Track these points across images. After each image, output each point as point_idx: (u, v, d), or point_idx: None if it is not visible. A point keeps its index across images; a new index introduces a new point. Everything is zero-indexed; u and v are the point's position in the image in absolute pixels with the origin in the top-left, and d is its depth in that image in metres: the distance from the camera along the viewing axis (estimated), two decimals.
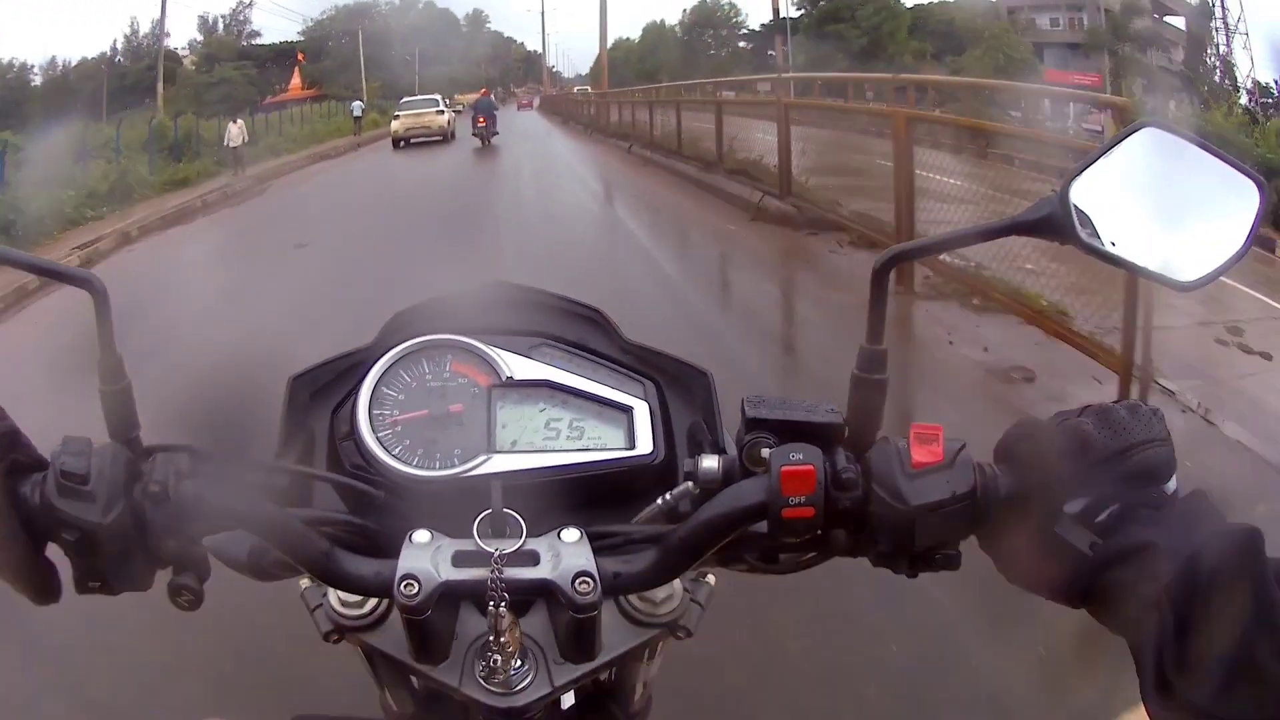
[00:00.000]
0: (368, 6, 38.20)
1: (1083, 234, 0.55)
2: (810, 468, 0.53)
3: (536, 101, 35.75)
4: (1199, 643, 0.44)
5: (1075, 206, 0.55)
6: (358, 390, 0.66)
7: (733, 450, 0.60)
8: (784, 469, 0.53)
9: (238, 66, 33.36)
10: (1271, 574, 0.44)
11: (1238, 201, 0.56)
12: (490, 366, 0.68)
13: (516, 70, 42.99)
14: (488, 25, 43.63)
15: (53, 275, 0.57)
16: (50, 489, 0.52)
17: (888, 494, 0.53)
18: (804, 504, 0.53)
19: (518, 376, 0.67)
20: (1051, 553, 0.51)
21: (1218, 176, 0.56)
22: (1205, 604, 0.45)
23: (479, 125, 19.60)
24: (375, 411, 0.65)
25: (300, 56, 36.52)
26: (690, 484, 0.60)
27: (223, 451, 0.57)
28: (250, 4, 35.51)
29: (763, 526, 0.54)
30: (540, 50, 45.47)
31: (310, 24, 37.29)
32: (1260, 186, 0.56)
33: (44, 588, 0.54)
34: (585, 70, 41.89)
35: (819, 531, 0.54)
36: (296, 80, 36.08)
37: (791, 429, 0.57)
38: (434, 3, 39.44)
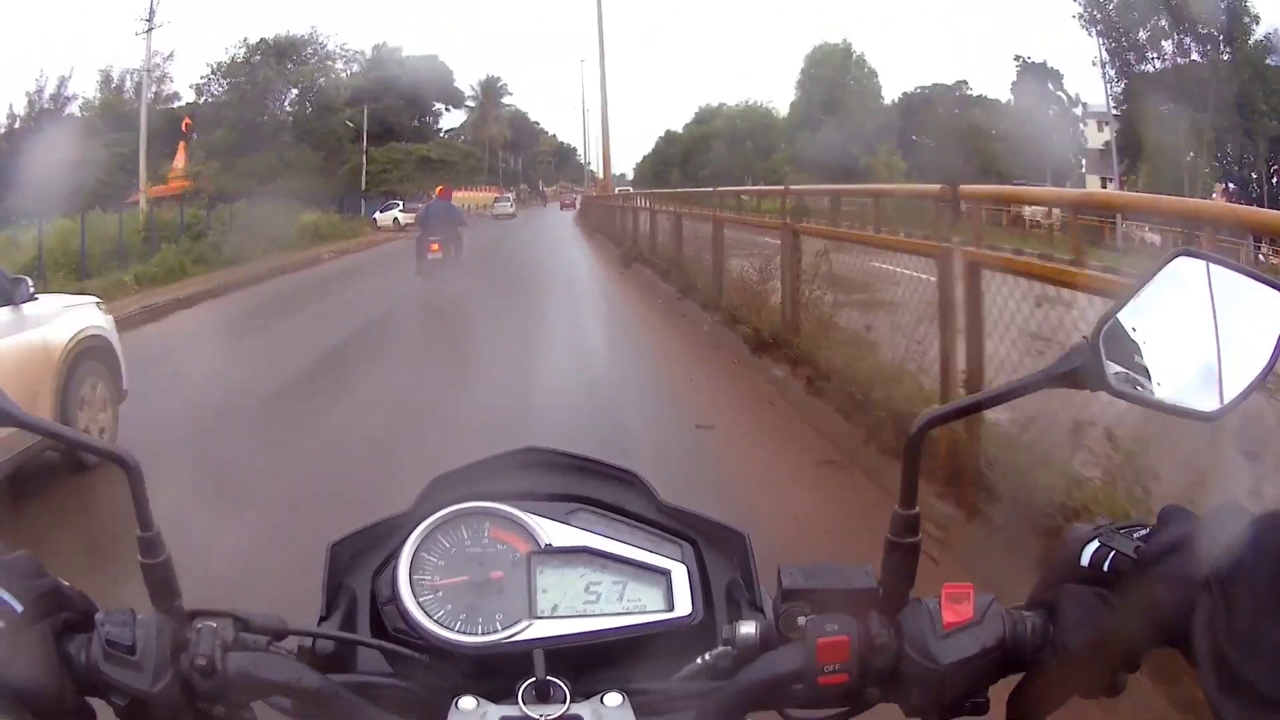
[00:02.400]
0: (299, 44, 33.08)
1: (1113, 380, 0.57)
2: (845, 638, 0.58)
3: (579, 202, 35.37)
4: (1248, 620, 0.45)
5: (1105, 350, 0.57)
6: (398, 555, 0.68)
7: (769, 610, 0.64)
8: (820, 640, 0.58)
9: (109, 143, 25.06)
10: None
11: (1265, 319, 0.57)
12: (529, 533, 0.69)
13: (545, 164, 38.42)
14: (506, 97, 39.68)
15: (86, 449, 0.63)
16: (97, 654, 0.56)
17: (919, 655, 0.57)
18: (838, 671, 0.58)
19: (556, 544, 0.69)
20: (1089, 680, 0.54)
21: (1248, 297, 0.57)
22: (1252, 583, 0.46)
23: (430, 253, 12.63)
24: (416, 576, 0.67)
25: (186, 124, 26.81)
26: (729, 647, 0.62)
27: (265, 616, 0.61)
28: (169, 55, 28.94)
29: (800, 687, 0.58)
30: (576, 145, 42.12)
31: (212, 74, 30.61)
32: None
33: None
34: (623, 169, 39.17)
35: (854, 691, 0.58)
36: (180, 161, 26.32)
37: (826, 597, 0.60)
38: (436, 57, 36.09)
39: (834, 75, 35.49)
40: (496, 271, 15.37)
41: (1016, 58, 32.47)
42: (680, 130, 38.37)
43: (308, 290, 14.07)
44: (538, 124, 39.73)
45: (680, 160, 35.97)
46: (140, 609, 0.59)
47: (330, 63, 34.12)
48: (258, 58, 31.47)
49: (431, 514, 0.70)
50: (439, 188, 14.84)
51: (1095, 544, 0.58)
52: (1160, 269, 0.58)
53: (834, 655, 0.58)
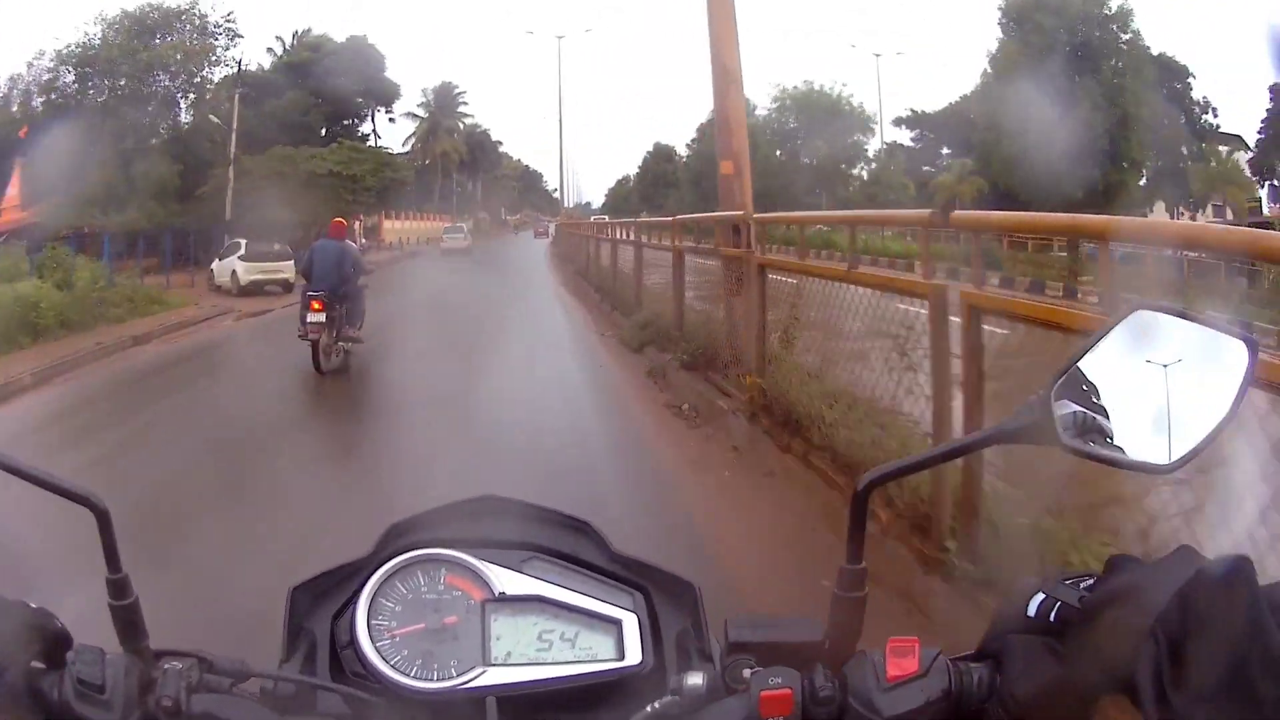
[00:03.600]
0: (171, 17, 22.57)
1: (1064, 436, 0.58)
2: (788, 691, 0.59)
3: (552, 230, 32.94)
4: (1194, 666, 0.46)
5: (1057, 407, 0.58)
6: (356, 600, 0.70)
7: (719, 659, 0.67)
8: (763, 693, 0.59)
9: None
10: (1262, 600, 0.46)
11: (1227, 366, 0.57)
12: (483, 581, 0.72)
13: (508, 189, 33.07)
14: (462, 107, 32.87)
15: (55, 490, 0.61)
16: (69, 692, 0.58)
17: (863, 707, 0.58)
18: None
19: (510, 592, 0.71)
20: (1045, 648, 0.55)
21: (1208, 344, 0.58)
22: (1199, 629, 0.47)
23: (311, 313, 8.47)
24: (374, 621, 0.70)
25: (23, 133, 19.84)
26: (676, 696, 0.64)
27: (228, 659, 0.63)
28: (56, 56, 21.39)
29: None
30: (541, 173, 36.67)
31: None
32: (1250, 345, 0.57)
33: None
34: (591, 199, 33.78)
35: None
36: (13, 185, 19.21)
37: (772, 650, 0.63)
38: (365, 39, 27.77)
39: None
40: (419, 355, 9.46)
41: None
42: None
43: None
44: (500, 144, 33.90)
45: (692, 181, 29.75)
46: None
47: (213, 40, 23.56)
48: (113, 34, 21.97)
49: (388, 560, 0.72)
50: (333, 221, 10.21)
51: (1040, 595, 0.57)
52: (1117, 323, 0.59)
53: (777, 708, 0.58)
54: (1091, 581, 0.57)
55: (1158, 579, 0.51)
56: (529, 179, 34.99)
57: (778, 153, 28.69)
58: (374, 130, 31.58)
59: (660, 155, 34.66)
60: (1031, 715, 0.56)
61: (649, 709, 0.63)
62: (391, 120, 35.43)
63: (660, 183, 32.63)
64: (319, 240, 9.57)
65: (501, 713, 0.64)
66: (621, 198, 34.30)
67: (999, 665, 0.59)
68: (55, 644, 0.60)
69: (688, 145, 32.10)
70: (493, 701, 0.64)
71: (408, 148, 33.07)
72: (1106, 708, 0.54)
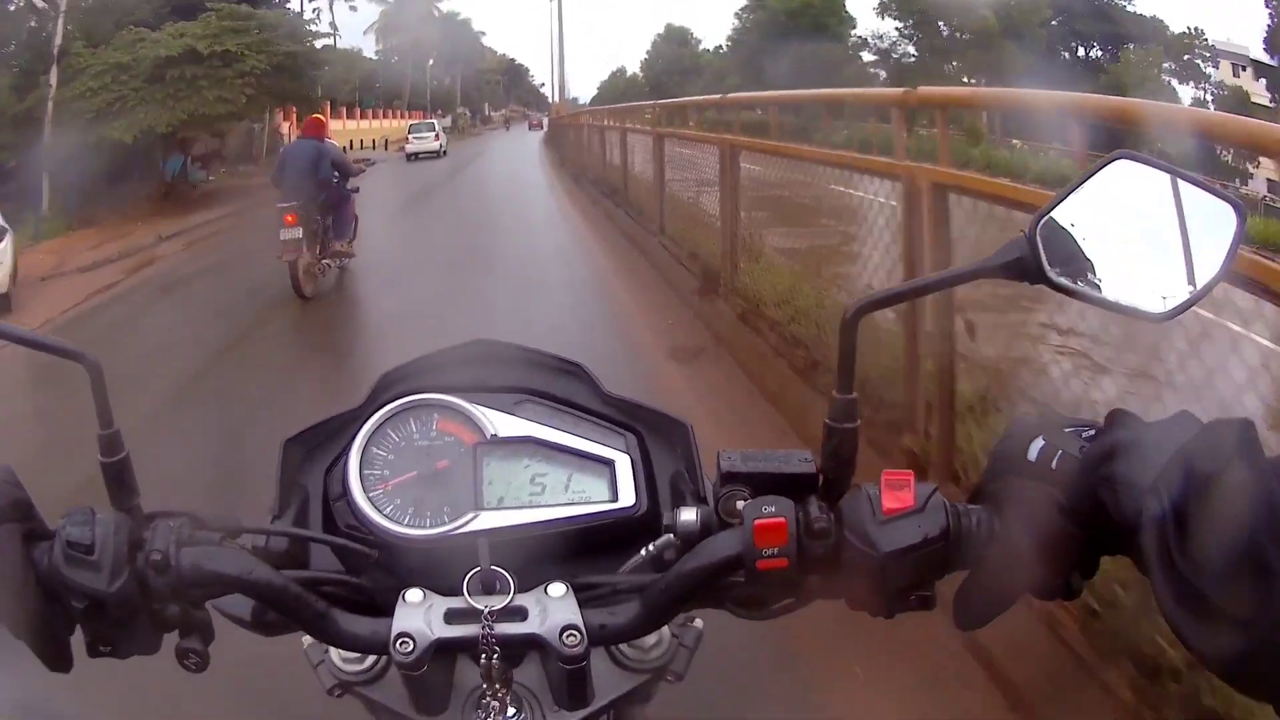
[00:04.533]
0: None
1: (1052, 273, 0.56)
2: (782, 520, 0.57)
3: (545, 123, 31.00)
4: (1200, 530, 0.44)
5: (1044, 244, 0.57)
6: (348, 451, 0.69)
7: (712, 498, 0.63)
8: (757, 522, 0.57)
9: None
10: (1268, 465, 0.44)
11: (1215, 227, 0.56)
12: (475, 424, 0.70)
13: (491, 84, 30.05)
14: None
15: (46, 349, 0.60)
16: (58, 558, 0.56)
17: (859, 541, 0.56)
18: (777, 555, 0.56)
19: (502, 434, 0.70)
20: (1041, 495, 0.53)
21: (1196, 204, 0.57)
22: (1203, 490, 0.45)
23: (285, 227, 7.00)
24: (366, 472, 0.68)
25: None
26: (671, 535, 0.62)
27: (220, 516, 0.62)
28: None
29: (741, 574, 0.57)
30: (527, 67, 33.25)
31: None
32: (1238, 210, 0.56)
33: (57, 654, 0.56)
34: (579, 96, 31.54)
35: (794, 578, 0.57)
36: None
37: (766, 480, 0.61)
38: None
39: None
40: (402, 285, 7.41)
41: None
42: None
43: None
44: (482, 34, 30.37)
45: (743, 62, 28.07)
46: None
47: None
48: None
49: (380, 408, 0.71)
50: (309, 118, 8.40)
51: (1041, 440, 0.56)
52: (1099, 169, 0.58)
53: (772, 538, 0.57)
54: (1092, 432, 0.55)
55: (1159, 437, 0.49)
56: (514, 74, 31.79)
57: None
58: (332, 19, 27.78)
59: (674, 38, 31.60)
60: (1034, 565, 0.54)
61: (644, 551, 0.63)
62: (353, 8, 31.57)
63: (675, 70, 29.86)
64: (291, 143, 7.70)
65: (494, 556, 0.62)
66: (619, 91, 31.64)
67: (998, 509, 0.57)
68: (49, 531, 0.58)
69: (731, 30, 29.94)
70: (484, 544, 0.63)
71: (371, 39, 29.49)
72: (1110, 566, 0.54)
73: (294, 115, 21.20)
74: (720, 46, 33.03)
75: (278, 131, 22.42)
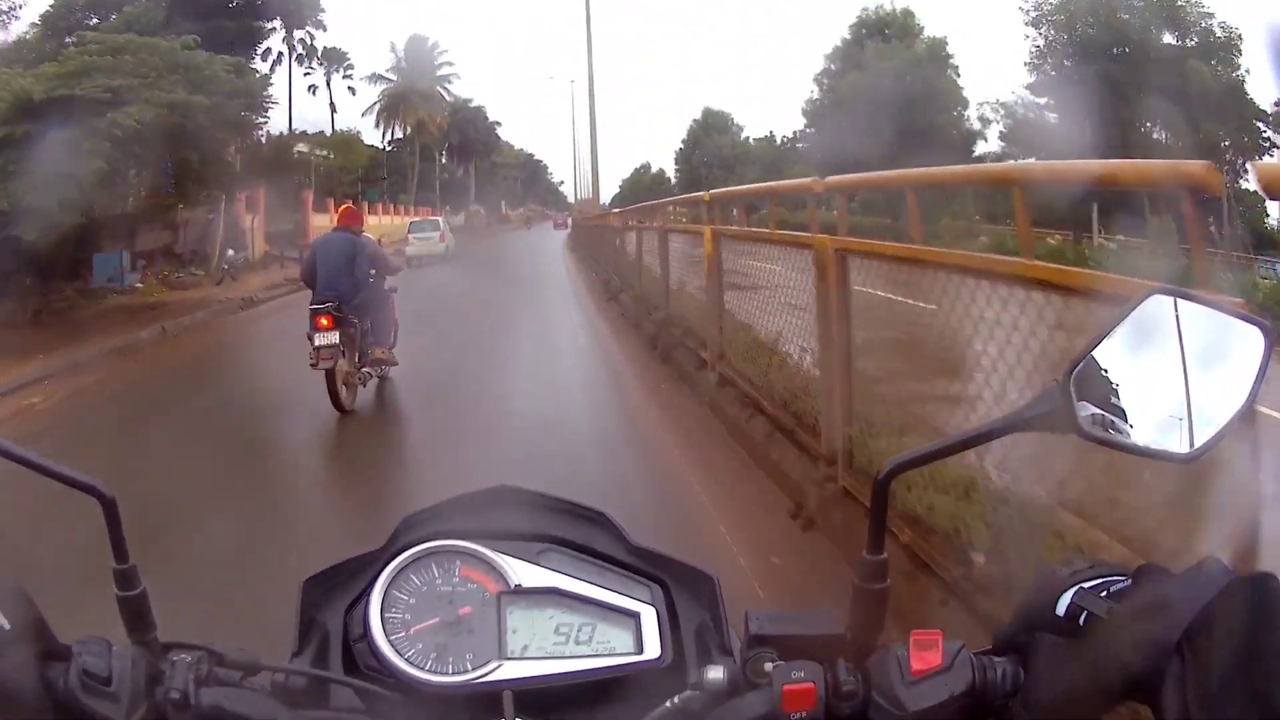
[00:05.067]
0: None
1: (1084, 424, 0.57)
2: (811, 685, 0.58)
3: (570, 222, 30.20)
4: (1217, 682, 0.46)
5: (1076, 393, 0.57)
6: (370, 592, 0.69)
7: (738, 654, 0.65)
8: (786, 687, 0.58)
9: None
10: None
11: (1242, 352, 0.57)
12: (499, 573, 0.70)
13: (508, 180, 29.47)
14: (444, 69, 26.82)
15: (61, 480, 0.60)
16: (74, 685, 0.56)
17: (887, 702, 0.57)
18: (805, 718, 0.57)
19: (526, 584, 0.70)
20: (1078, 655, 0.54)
21: (1224, 332, 0.58)
22: (1224, 646, 0.47)
23: (320, 331, 6.01)
24: (387, 615, 0.68)
25: None
26: (697, 691, 0.62)
27: (238, 651, 0.62)
28: None
29: None
30: (546, 164, 32.68)
31: None
32: (1264, 330, 0.57)
33: None
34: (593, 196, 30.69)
35: None
36: None
37: (793, 643, 0.61)
38: None
39: None
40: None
41: None
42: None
43: None
44: (498, 125, 29.36)
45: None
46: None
47: None
48: None
49: (402, 552, 0.70)
50: (343, 208, 7.44)
51: (1069, 598, 0.56)
52: (1133, 309, 0.58)
53: (800, 703, 0.57)
54: (1120, 586, 0.56)
55: (1185, 593, 0.51)
56: (532, 169, 30.96)
57: None
58: (330, 99, 26.61)
59: (715, 125, 29.43)
60: (1053, 716, 0.55)
61: (668, 704, 0.63)
62: (351, 90, 28.92)
63: (716, 162, 28.03)
64: (326, 235, 6.82)
65: (518, 707, 0.63)
66: (644, 187, 30.62)
67: (1023, 662, 0.58)
68: (61, 646, 0.58)
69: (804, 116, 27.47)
70: (509, 695, 0.63)
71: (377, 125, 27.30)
72: (1125, 714, 0.54)
73: (261, 206, 19.41)
74: (771, 134, 30.67)
75: (239, 224, 19.11)
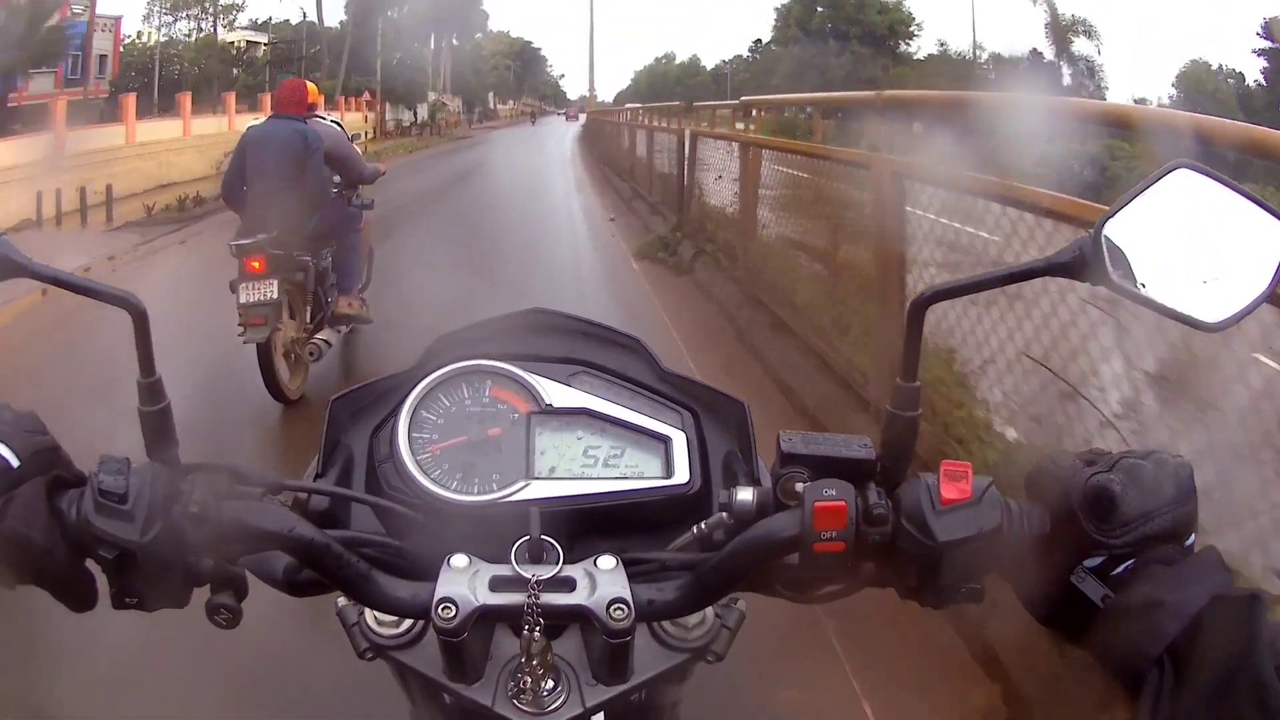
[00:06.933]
0: None
1: (1114, 275, 0.58)
2: (842, 504, 0.56)
3: (583, 117, 28.32)
4: (1193, 704, 0.49)
5: (1107, 247, 0.58)
6: (397, 413, 0.68)
7: (767, 481, 0.63)
8: (817, 504, 0.56)
9: None
10: (1266, 643, 0.48)
11: (1265, 242, 0.58)
12: (530, 393, 0.70)
13: (500, 69, 25.83)
14: None
15: (91, 294, 0.59)
16: (88, 506, 0.55)
17: (917, 530, 0.56)
18: (835, 539, 0.56)
19: (556, 404, 0.69)
20: (1066, 598, 0.56)
21: (1246, 218, 0.58)
22: (1201, 668, 0.49)
23: (249, 289, 3.77)
24: (414, 435, 0.67)
25: None
26: (725, 514, 0.62)
27: (261, 471, 0.60)
28: None
29: (794, 557, 0.57)
30: (543, 52, 29.40)
31: None
32: None
33: (81, 598, 0.56)
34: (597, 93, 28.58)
35: (849, 564, 0.57)
36: None
37: (825, 464, 0.60)
38: None
39: None
40: None
41: None
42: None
43: None
44: (482, 4, 25.04)
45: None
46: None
47: None
48: None
49: (433, 372, 0.70)
50: (283, 82, 4.51)
51: (1072, 575, 0.57)
52: (1159, 177, 0.59)
53: (831, 521, 0.56)
54: (1125, 567, 0.56)
55: (1178, 596, 0.52)
56: (530, 59, 27.00)
57: None
58: None
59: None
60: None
61: (696, 529, 0.63)
62: None
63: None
64: (256, 126, 4.35)
65: (544, 527, 0.61)
66: (671, 80, 28.47)
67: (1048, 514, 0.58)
68: (79, 476, 0.57)
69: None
70: (536, 513, 0.62)
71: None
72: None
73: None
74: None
75: None
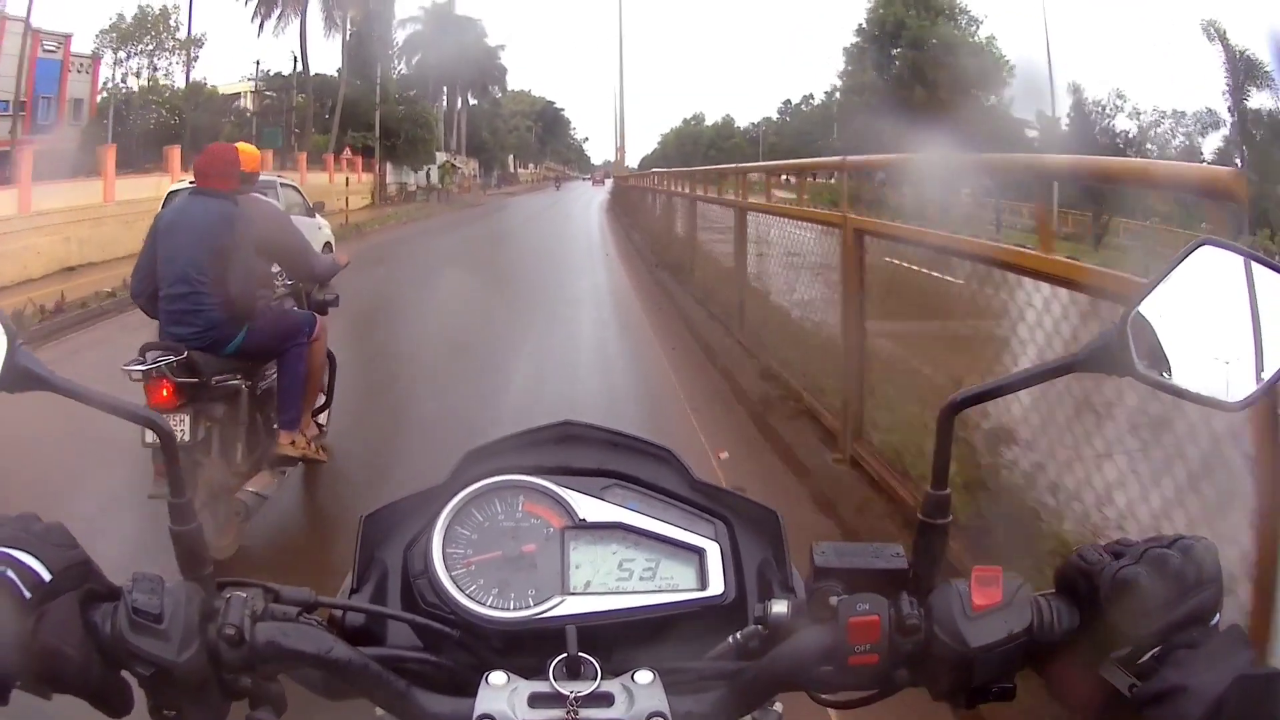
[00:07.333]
0: None
1: (1139, 365, 0.59)
2: (876, 618, 0.58)
3: (609, 183, 26.71)
4: None
5: (1133, 334, 0.60)
6: (431, 528, 0.69)
7: (801, 591, 0.67)
8: (851, 620, 0.58)
9: None
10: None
11: None
12: (563, 508, 0.70)
13: (521, 130, 25.05)
14: None
15: (121, 414, 0.60)
16: (123, 623, 0.55)
17: (949, 637, 0.58)
18: (869, 651, 0.58)
19: (590, 519, 0.70)
20: (1093, 689, 0.57)
21: (1270, 285, 0.59)
22: None
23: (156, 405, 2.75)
24: (449, 550, 0.67)
25: None
26: (759, 626, 0.63)
27: (295, 589, 0.61)
28: None
29: (830, 666, 0.59)
30: (565, 114, 28.62)
31: None
32: None
33: (117, 707, 0.56)
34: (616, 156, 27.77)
35: (884, 672, 0.59)
36: None
37: (858, 576, 0.62)
38: None
39: None
40: None
41: None
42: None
43: None
44: (500, 50, 23.53)
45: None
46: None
47: None
48: None
49: (465, 487, 0.70)
50: (208, 148, 3.33)
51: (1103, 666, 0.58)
52: (1183, 259, 0.60)
53: (865, 635, 0.58)
54: (1148, 656, 0.57)
55: (1202, 680, 0.53)
56: (550, 120, 25.69)
57: None
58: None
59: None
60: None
61: (731, 639, 0.64)
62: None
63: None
64: (172, 204, 3.38)
65: (581, 643, 0.62)
66: (705, 142, 27.57)
67: (1079, 605, 0.59)
68: (111, 589, 0.57)
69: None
70: (572, 630, 0.63)
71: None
72: None
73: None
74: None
75: None
